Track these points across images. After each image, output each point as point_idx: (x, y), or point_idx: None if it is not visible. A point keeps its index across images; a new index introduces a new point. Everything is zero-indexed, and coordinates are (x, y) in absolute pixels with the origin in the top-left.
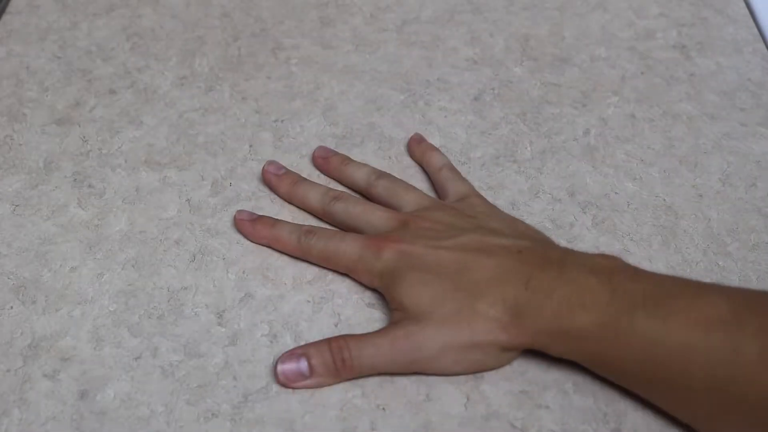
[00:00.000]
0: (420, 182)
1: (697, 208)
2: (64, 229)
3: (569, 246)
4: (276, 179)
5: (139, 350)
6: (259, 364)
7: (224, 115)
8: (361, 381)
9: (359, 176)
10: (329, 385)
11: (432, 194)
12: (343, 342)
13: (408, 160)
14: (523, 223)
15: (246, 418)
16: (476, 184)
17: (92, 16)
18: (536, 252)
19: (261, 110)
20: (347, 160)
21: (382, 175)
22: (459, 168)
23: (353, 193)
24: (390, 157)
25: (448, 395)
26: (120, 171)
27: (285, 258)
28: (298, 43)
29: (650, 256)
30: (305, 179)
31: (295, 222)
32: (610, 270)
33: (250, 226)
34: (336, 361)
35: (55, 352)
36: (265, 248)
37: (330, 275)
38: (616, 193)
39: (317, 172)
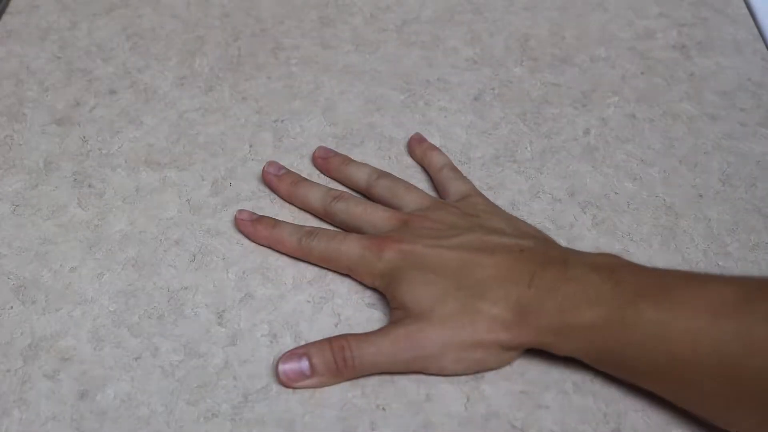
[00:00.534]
0: (420, 182)
1: (697, 208)
2: (64, 229)
3: (569, 246)
4: (276, 180)
5: (139, 350)
6: (259, 364)
7: (224, 115)
8: (361, 381)
9: (360, 176)
10: (330, 384)
11: (433, 194)
12: (344, 341)
13: (408, 160)
14: (524, 222)
15: (246, 418)
16: (476, 184)
17: (92, 16)
18: (538, 251)
19: (261, 110)
20: (348, 160)
21: (382, 175)
22: (459, 168)
23: (354, 194)
24: (390, 157)
25: (448, 395)
26: (120, 171)
27: (285, 258)
28: (298, 43)
29: (650, 256)
30: (306, 179)
31: (296, 222)
32: (612, 266)
33: (250, 226)
34: (337, 360)
35: (55, 352)
36: (265, 248)
37: (330, 275)
38: (616, 193)
39: (317, 173)
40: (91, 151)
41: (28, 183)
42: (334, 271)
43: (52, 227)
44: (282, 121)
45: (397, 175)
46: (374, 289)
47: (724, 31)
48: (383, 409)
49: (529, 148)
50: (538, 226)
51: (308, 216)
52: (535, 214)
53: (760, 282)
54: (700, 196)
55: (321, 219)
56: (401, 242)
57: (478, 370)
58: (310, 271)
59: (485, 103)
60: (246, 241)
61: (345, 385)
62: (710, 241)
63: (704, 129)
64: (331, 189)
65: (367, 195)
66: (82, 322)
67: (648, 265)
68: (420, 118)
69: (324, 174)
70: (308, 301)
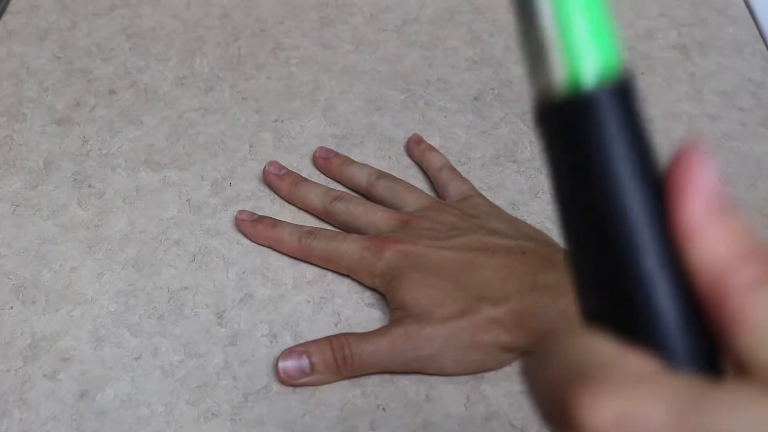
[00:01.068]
0: (420, 182)
1: None
2: (64, 229)
3: None
4: (277, 180)
5: (139, 350)
6: (259, 364)
7: (224, 115)
8: (361, 381)
9: (360, 177)
10: (330, 382)
11: (433, 194)
12: (344, 340)
13: (408, 160)
14: (525, 223)
15: (246, 418)
16: (476, 184)
17: (92, 16)
18: (540, 253)
19: (261, 110)
20: (348, 160)
21: (382, 175)
22: (459, 168)
23: (354, 194)
24: (390, 157)
25: (448, 395)
26: (120, 171)
27: (285, 258)
28: (298, 43)
29: None
30: (306, 179)
31: (296, 222)
32: None
33: (251, 226)
34: (337, 358)
35: (55, 352)
36: (265, 248)
37: (330, 275)
38: None
39: (317, 173)
40: (91, 151)
41: (28, 183)
42: (334, 272)
43: (52, 227)
44: (282, 121)
45: (397, 176)
46: (374, 289)
47: (724, 31)
48: (383, 409)
49: (529, 148)
50: (538, 226)
51: (308, 216)
52: (535, 214)
53: None
54: None
55: (321, 219)
56: (401, 243)
57: (477, 370)
58: (310, 271)
59: (485, 103)
60: (246, 241)
61: (345, 385)
62: None
63: (704, 129)
64: (331, 189)
65: (368, 195)
66: (82, 322)
67: None
68: (420, 118)
69: (324, 174)
70: (308, 301)
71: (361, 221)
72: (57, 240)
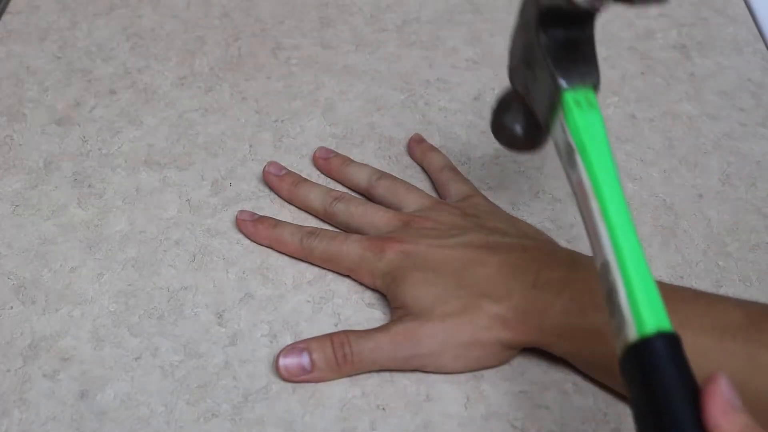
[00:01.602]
0: (421, 182)
1: (697, 208)
2: (64, 229)
3: (569, 246)
4: (277, 180)
5: (139, 350)
6: (259, 364)
7: (224, 115)
8: (361, 381)
9: (360, 177)
10: (330, 380)
11: (433, 194)
12: (345, 337)
13: (408, 160)
14: (525, 223)
15: (246, 418)
16: (476, 184)
17: (92, 16)
18: (542, 251)
19: (261, 110)
20: (348, 160)
21: (383, 175)
22: (459, 168)
23: (354, 194)
24: (390, 157)
25: (448, 395)
26: (120, 171)
27: (285, 258)
28: (298, 43)
29: (650, 256)
30: (306, 180)
31: (296, 222)
32: None
33: (251, 226)
34: (337, 356)
35: (55, 352)
36: (265, 248)
37: (330, 275)
38: None
39: (317, 173)
40: (91, 151)
41: (28, 183)
42: (335, 272)
43: (52, 227)
44: (282, 121)
45: (397, 176)
46: (374, 289)
47: (724, 31)
48: (383, 409)
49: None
50: (538, 226)
51: (308, 216)
52: (535, 214)
53: (767, 307)
54: (700, 196)
55: (321, 220)
56: (402, 243)
57: (477, 367)
58: (310, 271)
59: (485, 103)
60: (246, 241)
61: (345, 385)
62: (710, 241)
63: (704, 129)
64: (331, 190)
65: (368, 196)
66: (82, 322)
67: (648, 264)
68: (420, 118)
69: (324, 174)
70: (308, 301)
71: (361, 222)
72: (57, 240)
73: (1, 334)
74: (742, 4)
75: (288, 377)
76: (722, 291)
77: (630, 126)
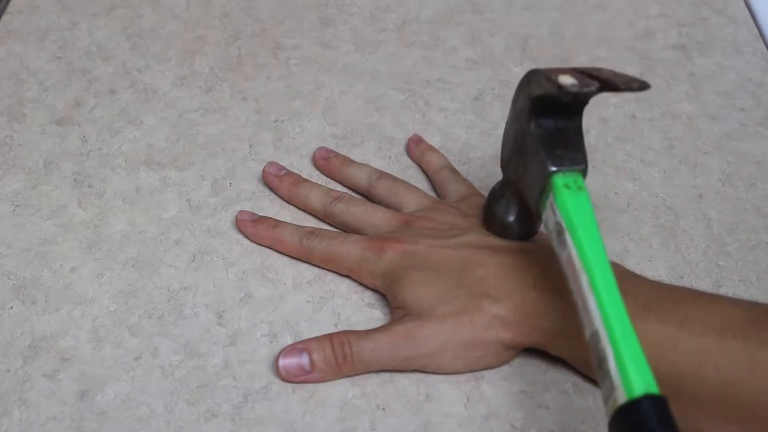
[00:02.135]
0: (420, 182)
1: (697, 208)
2: (64, 229)
3: None
4: (277, 180)
5: (139, 350)
6: (259, 364)
7: (224, 115)
8: (361, 381)
9: (360, 177)
10: (330, 380)
11: (433, 194)
12: (344, 337)
13: (408, 160)
14: None
15: (246, 418)
16: (476, 184)
17: (92, 16)
18: (542, 252)
19: (261, 110)
20: (348, 160)
21: (383, 175)
22: (459, 168)
23: (354, 194)
24: (390, 157)
25: (448, 395)
26: (120, 171)
27: (285, 258)
28: (298, 43)
29: (650, 256)
30: (306, 180)
31: (296, 222)
32: (620, 274)
33: (251, 226)
34: (337, 356)
35: (55, 352)
36: (265, 248)
37: (330, 275)
38: (616, 193)
39: (317, 173)
40: (91, 151)
41: (28, 183)
42: (335, 272)
43: (52, 227)
44: (282, 121)
45: (397, 176)
46: (374, 289)
47: (724, 31)
48: (383, 409)
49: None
50: None
51: (308, 216)
52: None
53: (767, 307)
54: (700, 196)
55: (321, 220)
56: (402, 243)
57: (476, 368)
58: (310, 272)
59: (485, 103)
60: (246, 241)
61: (345, 385)
62: (710, 241)
63: (704, 129)
64: (331, 190)
65: (368, 196)
66: (82, 322)
67: (648, 265)
68: (420, 118)
69: (324, 174)
70: (308, 301)
71: (361, 222)
72: (57, 240)
73: (1, 334)
74: (742, 4)
75: (288, 378)
76: (722, 291)
77: (630, 126)
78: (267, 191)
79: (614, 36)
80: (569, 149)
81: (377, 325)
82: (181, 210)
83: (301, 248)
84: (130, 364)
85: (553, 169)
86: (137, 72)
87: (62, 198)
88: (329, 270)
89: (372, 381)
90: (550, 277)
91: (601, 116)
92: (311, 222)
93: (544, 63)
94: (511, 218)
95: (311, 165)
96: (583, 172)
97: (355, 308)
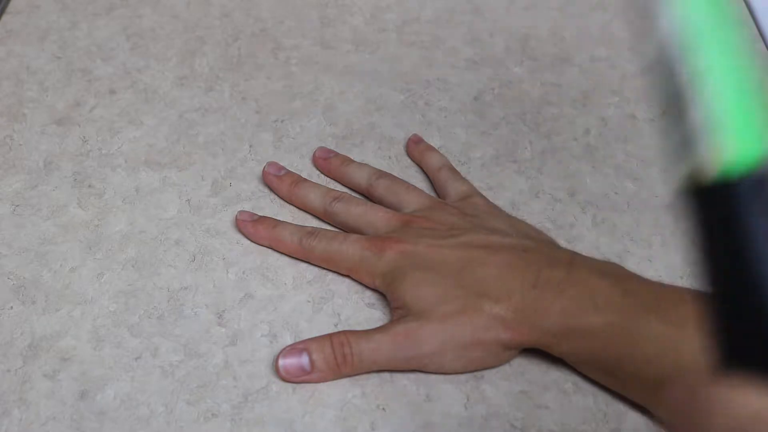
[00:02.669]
0: (420, 182)
1: None
2: (64, 229)
3: (569, 246)
4: (277, 180)
5: (139, 350)
6: (259, 364)
7: (224, 115)
8: (361, 381)
9: (360, 177)
10: (330, 380)
11: (433, 194)
12: (344, 338)
13: (408, 160)
14: (525, 223)
15: (246, 418)
16: (476, 184)
17: (92, 16)
18: (542, 251)
19: (261, 110)
20: (348, 160)
21: (383, 175)
22: (459, 168)
23: (354, 194)
24: (390, 157)
25: (448, 395)
26: (120, 171)
27: (285, 258)
28: (298, 43)
29: (650, 256)
30: (306, 180)
31: (296, 222)
32: (620, 275)
33: (251, 226)
34: (337, 356)
35: (55, 352)
36: (265, 248)
37: (330, 275)
38: (616, 193)
39: (317, 173)
40: (91, 151)
41: (28, 183)
42: (335, 272)
43: (52, 227)
44: (282, 121)
45: (397, 175)
46: (374, 289)
47: None
48: (383, 409)
49: (529, 148)
50: (538, 226)
51: (308, 216)
52: (535, 214)
53: None
54: None
55: (321, 219)
56: (402, 243)
57: (476, 368)
58: (310, 271)
59: (485, 103)
60: (246, 241)
61: (345, 385)
62: None
63: None
64: (331, 189)
65: (368, 195)
66: (82, 322)
67: (648, 265)
68: (420, 118)
69: (324, 174)
70: (308, 301)
71: (361, 222)
72: (57, 240)
73: (1, 334)
74: (742, 4)
75: (287, 378)
76: None
77: (630, 126)
78: (267, 191)
79: (614, 36)
80: None
81: (377, 325)
82: (181, 210)
83: (300, 248)
84: (130, 364)
85: None
86: (137, 72)
87: (62, 198)
88: (329, 270)
89: (372, 381)
90: (549, 276)
91: (601, 116)
92: (311, 222)
93: (544, 63)
94: None
95: (311, 165)
96: None
97: (355, 308)
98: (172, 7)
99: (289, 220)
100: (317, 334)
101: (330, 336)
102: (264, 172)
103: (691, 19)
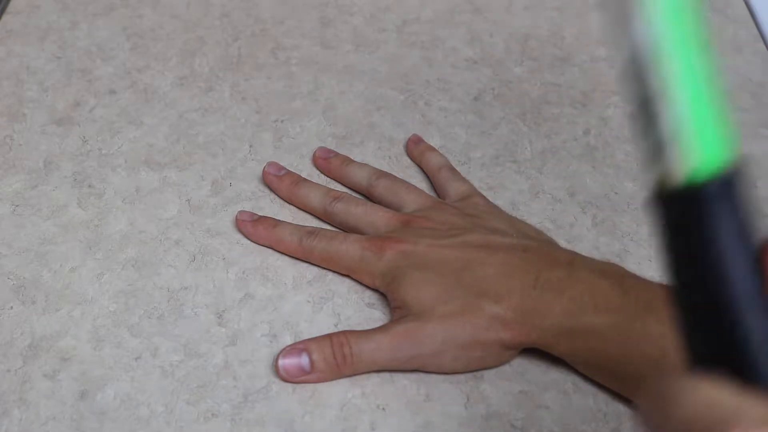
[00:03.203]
0: (420, 182)
1: None
2: (64, 229)
3: (569, 246)
4: (277, 180)
5: (139, 350)
6: (259, 364)
7: (224, 115)
8: (361, 381)
9: (360, 177)
10: (330, 380)
11: (433, 194)
12: (344, 338)
13: (408, 160)
14: (525, 223)
15: (246, 418)
16: (476, 184)
17: (92, 16)
18: (542, 251)
19: (261, 110)
20: (348, 160)
21: (383, 175)
22: (459, 168)
23: (354, 194)
24: (390, 157)
25: (448, 395)
26: (120, 171)
27: (285, 258)
28: (298, 43)
29: (650, 256)
30: (306, 180)
31: (296, 222)
32: (620, 275)
33: (251, 226)
34: (337, 356)
35: (55, 352)
36: (265, 248)
37: (330, 275)
38: (616, 193)
39: (317, 172)
40: (91, 151)
41: (28, 183)
42: (334, 271)
43: (52, 227)
44: (282, 121)
45: (397, 175)
46: (374, 289)
47: (724, 31)
48: (383, 409)
49: (529, 148)
50: (538, 226)
51: (308, 216)
52: (535, 214)
53: None
54: None
55: (321, 219)
56: (402, 242)
57: (476, 368)
58: (310, 271)
59: (485, 103)
60: (246, 241)
61: (345, 385)
62: None
63: None
64: (331, 189)
65: (368, 195)
66: (82, 322)
67: (648, 265)
68: (420, 118)
69: (324, 174)
70: (308, 301)
71: (361, 222)
72: (57, 240)
73: (1, 334)
74: (742, 4)
75: (287, 378)
76: None
77: (630, 126)
78: (267, 191)
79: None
80: None
81: (377, 325)
82: (181, 210)
83: (300, 248)
84: (130, 364)
85: None
86: (137, 72)
87: (62, 198)
88: (329, 270)
89: (372, 381)
90: (549, 276)
91: (601, 116)
92: (311, 222)
93: (544, 63)
94: None
95: (311, 165)
96: None
97: (355, 308)
98: (172, 7)
99: (289, 220)
100: (317, 334)
101: (330, 336)
102: (264, 172)
103: (659, 27)
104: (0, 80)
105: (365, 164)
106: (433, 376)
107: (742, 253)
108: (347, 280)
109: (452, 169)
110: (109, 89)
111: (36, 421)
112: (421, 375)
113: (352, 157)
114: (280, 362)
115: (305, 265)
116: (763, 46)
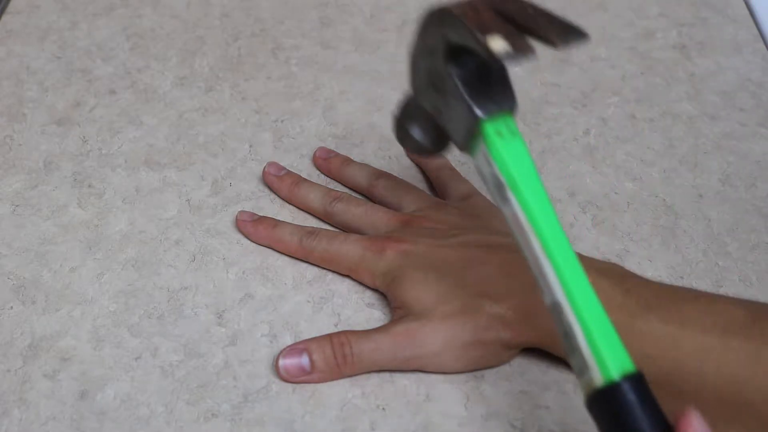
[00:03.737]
0: (420, 182)
1: (697, 208)
2: (64, 229)
3: None
4: (277, 180)
5: (139, 350)
6: (259, 364)
7: (224, 115)
8: (361, 381)
9: (360, 177)
10: (330, 380)
11: (432, 194)
12: (344, 338)
13: (408, 160)
14: None
15: (246, 418)
16: (476, 184)
17: (92, 16)
18: None
19: (261, 110)
20: (348, 160)
21: (383, 175)
22: (459, 168)
23: (354, 194)
24: (390, 157)
25: (448, 395)
26: (120, 171)
27: (285, 258)
28: (298, 43)
29: (650, 256)
30: (306, 180)
31: (296, 222)
32: (621, 274)
33: (251, 227)
34: (337, 356)
35: (55, 352)
36: (265, 248)
37: (330, 275)
38: (616, 193)
39: (317, 173)
40: (91, 151)
41: (28, 183)
42: (335, 272)
43: (52, 227)
44: (282, 121)
45: (397, 175)
46: (374, 289)
47: (724, 31)
48: (383, 409)
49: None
50: None
51: (308, 216)
52: None
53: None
54: (700, 196)
55: (321, 220)
56: (402, 242)
57: (477, 368)
58: (310, 271)
59: None
60: (246, 241)
61: (345, 385)
62: (710, 241)
63: (704, 129)
64: (331, 190)
65: (368, 195)
66: (82, 322)
67: (648, 265)
68: None
69: (324, 174)
70: (308, 301)
71: (361, 222)
72: (57, 240)
73: (1, 334)
74: (742, 4)
75: (288, 378)
76: (722, 291)
77: (630, 126)
78: (267, 191)
79: (614, 36)
80: (495, 89)
81: (377, 325)
82: (181, 210)
83: (300, 248)
84: (130, 364)
85: (481, 115)
86: (137, 72)
87: (62, 198)
88: (329, 270)
89: (372, 381)
90: None
91: (601, 116)
92: (311, 222)
93: (544, 63)
94: (428, 140)
95: (311, 165)
96: (513, 111)
97: (355, 308)
98: (172, 7)
99: (289, 220)
100: (317, 334)
101: (330, 336)
102: (264, 172)
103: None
104: (0, 80)
105: (365, 164)
106: (433, 376)
107: (659, 426)
108: (347, 280)
109: (452, 169)
110: (109, 89)
111: (36, 421)
112: (421, 375)
113: (352, 157)
114: (281, 362)
115: (305, 265)
116: (763, 46)
